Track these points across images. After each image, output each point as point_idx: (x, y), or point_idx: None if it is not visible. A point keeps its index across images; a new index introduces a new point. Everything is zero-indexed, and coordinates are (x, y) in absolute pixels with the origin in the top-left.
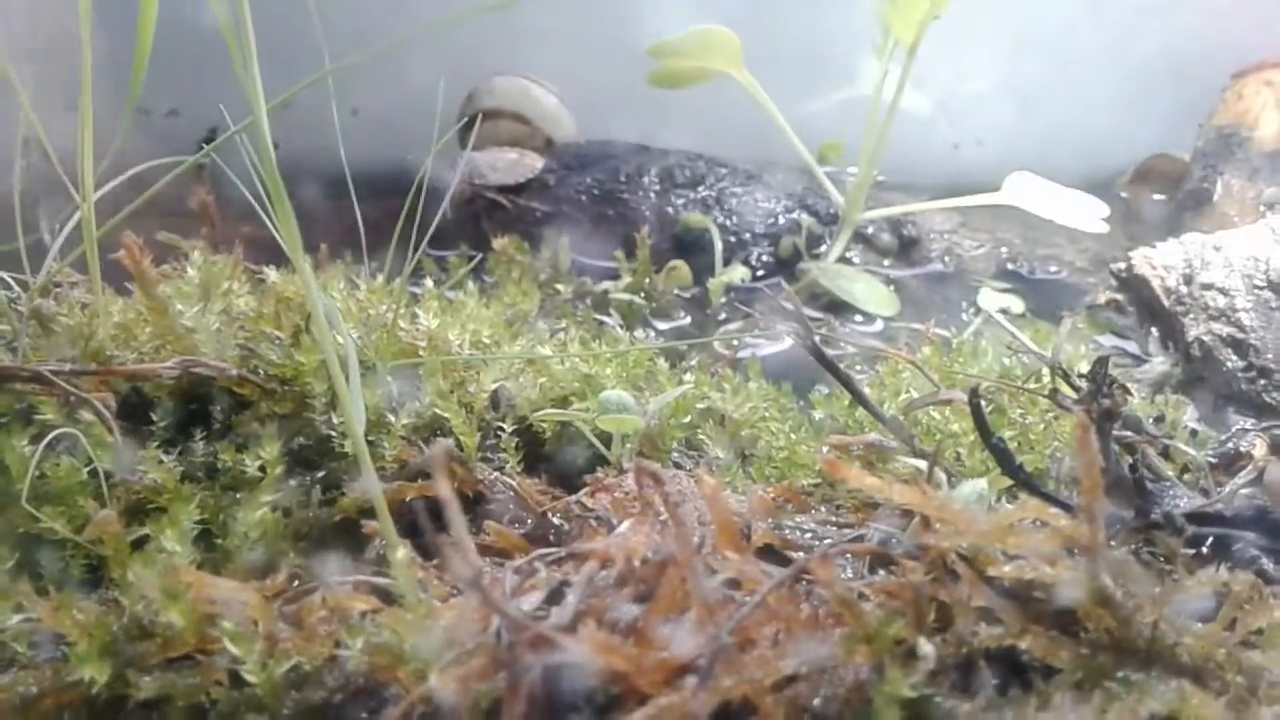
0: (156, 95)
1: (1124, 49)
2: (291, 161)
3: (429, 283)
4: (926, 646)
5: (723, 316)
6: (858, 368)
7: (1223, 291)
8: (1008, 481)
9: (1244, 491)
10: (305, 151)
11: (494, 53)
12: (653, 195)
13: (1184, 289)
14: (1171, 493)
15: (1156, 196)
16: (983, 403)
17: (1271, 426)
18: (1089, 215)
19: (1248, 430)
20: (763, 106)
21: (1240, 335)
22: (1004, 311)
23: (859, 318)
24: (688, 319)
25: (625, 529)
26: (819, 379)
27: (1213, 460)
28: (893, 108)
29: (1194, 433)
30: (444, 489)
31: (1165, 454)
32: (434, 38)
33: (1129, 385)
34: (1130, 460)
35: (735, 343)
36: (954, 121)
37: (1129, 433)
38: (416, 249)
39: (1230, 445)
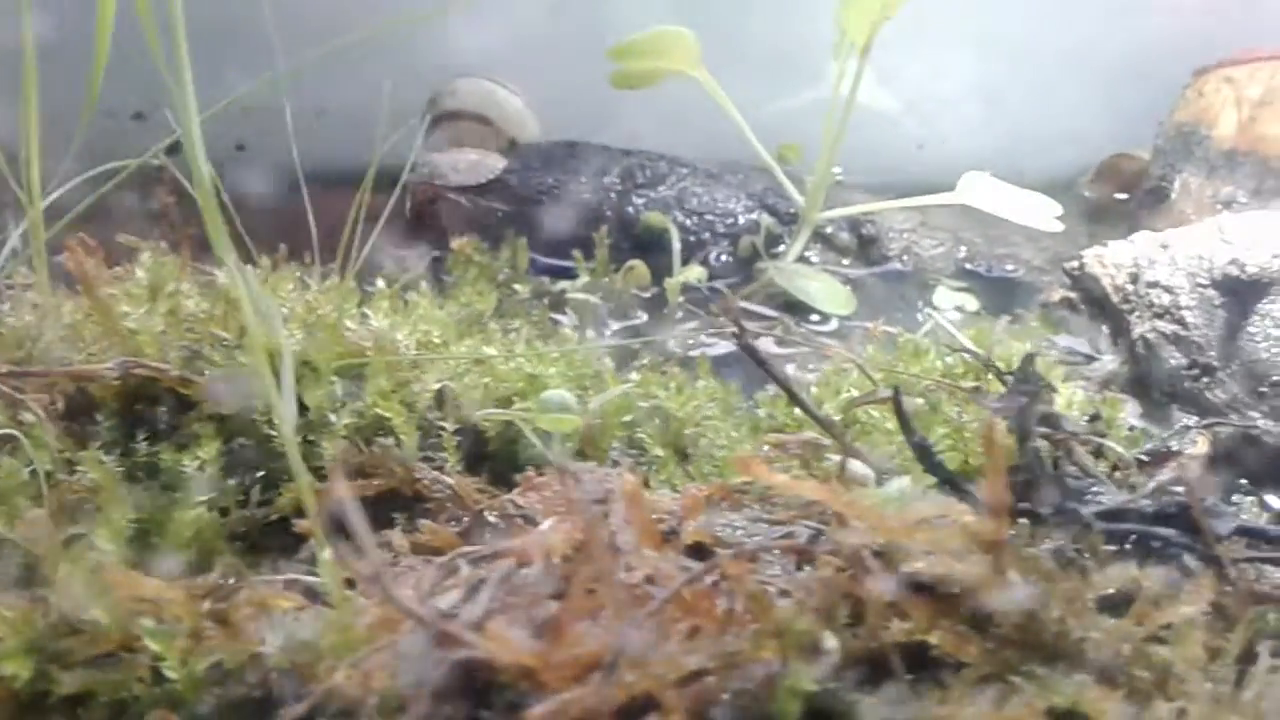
0: (123, 97)
1: (1090, 48)
2: (259, 161)
3: (380, 283)
4: (831, 641)
5: (680, 315)
6: (810, 366)
7: (1167, 289)
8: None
9: (1175, 488)
10: (273, 151)
11: (463, 53)
12: (613, 195)
13: (1130, 287)
14: (1095, 489)
15: (1119, 195)
16: (918, 401)
17: (1213, 423)
18: (1043, 215)
19: (1189, 427)
20: (721, 106)
21: (1183, 333)
22: (959, 309)
23: (815, 316)
24: (645, 318)
25: (547, 527)
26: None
27: (1144, 458)
28: (848, 107)
29: (1134, 429)
30: (341, 489)
31: (1099, 451)
32: (402, 38)
33: (1055, 382)
34: (1054, 457)
35: (690, 341)
36: (924, 120)
37: (1056, 430)
38: (364, 249)
39: (1163, 443)
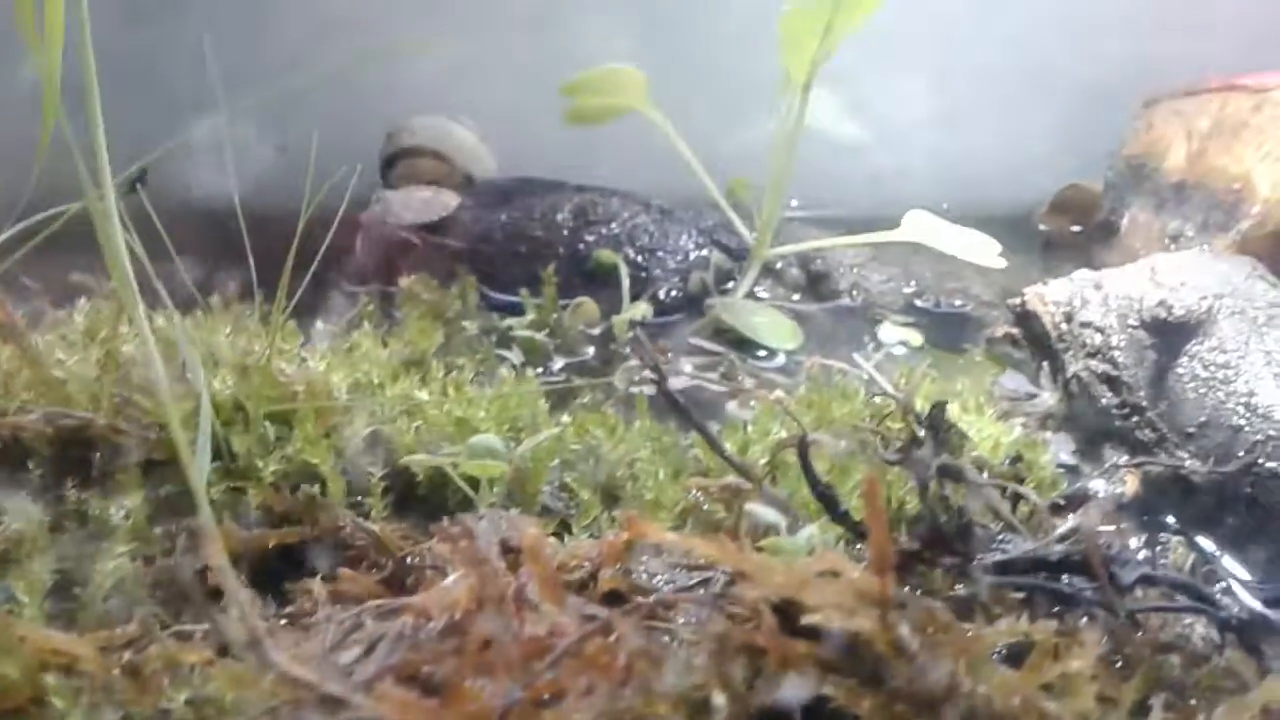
0: (86, 133)
1: (1049, 78)
2: (217, 199)
3: (319, 324)
4: (719, 698)
5: (627, 352)
6: (751, 404)
7: (1099, 330)
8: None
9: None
10: (229, 187)
11: (423, 89)
12: (565, 231)
13: (1065, 326)
14: (1003, 538)
15: (1075, 227)
16: (842, 444)
17: (1141, 463)
18: (984, 252)
19: (1119, 466)
20: (671, 142)
21: (1114, 372)
22: (904, 345)
23: (762, 352)
24: (592, 355)
25: (451, 581)
26: (714, 415)
27: (1061, 501)
28: (792, 145)
29: (1065, 468)
30: (216, 557)
31: (1017, 499)
32: (362, 74)
33: (985, 422)
34: (959, 506)
35: (636, 378)
36: (891, 150)
37: (960, 480)
38: (313, 288)
39: (1083, 486)
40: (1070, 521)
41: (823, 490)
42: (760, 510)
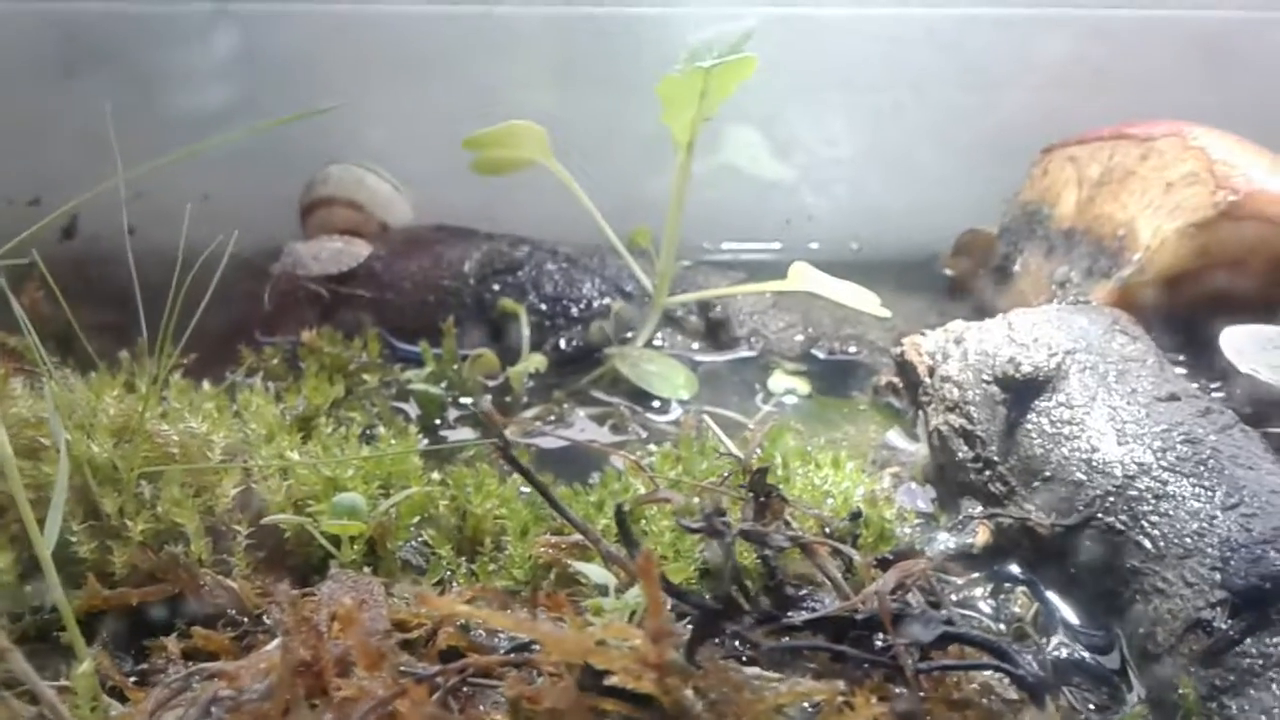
0: (18, 184)
1: (952, 124)
2: (145, 248)
3: (226, 376)
4: None
5: (525, 401)
6: (637, 453)
7: (957, 384)
8: None
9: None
10: (161, 238)
11: (345, 137)
12: (473, 280)
13: (927, 380)
14: (815, 598)
15: (979, 270)
16: (695, 501)
17: (991, 514)
18: (867, 302)
19: (972, 517)
20: (573, 192)
21: (969, 427)
22: (792, 393)
23: (656, 403)
24: (489, 405)
25: (270, 646)
26: (598, 467)
27: (890, 557)
28: (682, 196)
29: (925, 517)
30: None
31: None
32: (290, 125)
33: (783, 495)
34: (771, 567)
35: (528, 430)
36: (801, 192)
37: (765, 544)
38: (197, 342)
39: (909, 544)
40: (881, 580)
41: (633, 544)
42: (590, 570)
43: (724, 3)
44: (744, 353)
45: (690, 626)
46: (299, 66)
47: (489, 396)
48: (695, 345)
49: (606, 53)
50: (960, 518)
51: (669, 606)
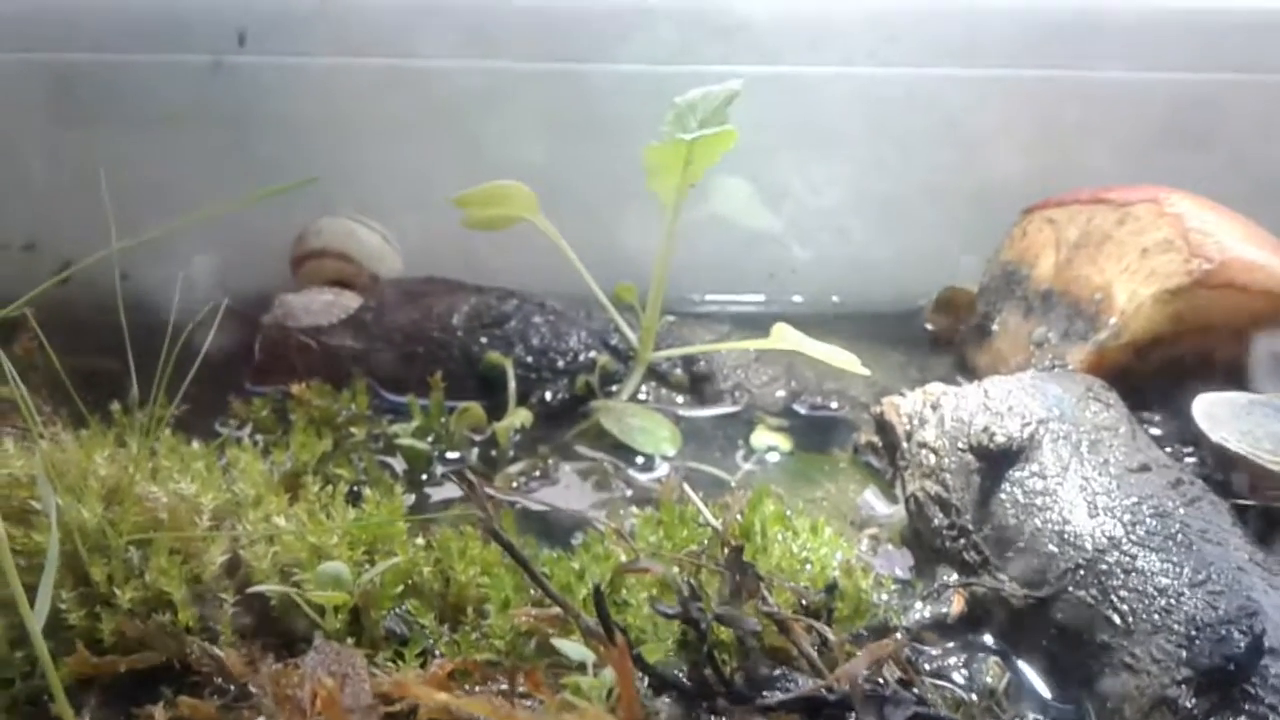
0: (13, 229)
1: (933, 181)
2: (138, 292)
3: (195, 443)
4: None
5: (511, 455)
6: (621, 512)
7: (934, 451)
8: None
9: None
10: (153, 282)
11: (336, 188)
12: (460, 333)
13: (905, 444)
14: (789, 677)
15: (959, 327)
16: (675, 571)
17: (966, 583)
18: (846, 362)
19: (948, 585)
20: (559, 248)
21: (945, 494)
22: (774, 450)
23: (640, 459)
24: (475, 460)
25: None
26: (581, 526)
27: (864, 633)
28: (668, 256)
29: (902, 583)
30: None
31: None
32: (282, 174)
33: (759, 573)
34: (752, 646)
35: (515, 486)
36: (785, 246)
37: (738, 626)
38: (187, 395)
39: (880, 620)
40: (854, 661)
41: (610, 628)
42: (568, 647)
43: (710, 61)
44: (728, 407)
45: (668, 703)
46: (291, 118)
47: (475, 451)
48: (679, 399)
49: (593, 108)
50: (936, 586)
51: (645, 684)
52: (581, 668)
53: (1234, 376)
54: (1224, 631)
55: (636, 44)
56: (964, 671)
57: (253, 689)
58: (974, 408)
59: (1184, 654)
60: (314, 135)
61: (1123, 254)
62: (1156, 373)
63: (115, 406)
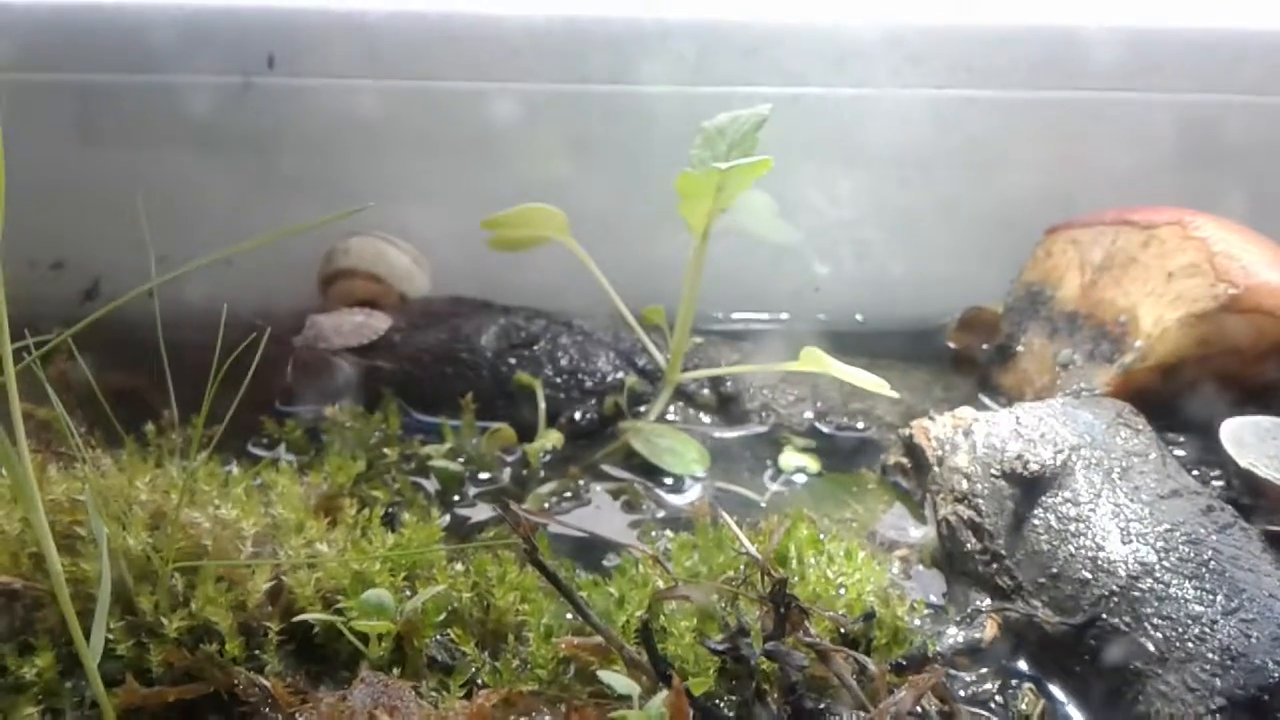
0: (42, 248)
1: (956, 200)
2: (166, 310)
3: (234, 466)
4: None
5: (542, 476)
6: (653, 534)
7: (966, 476)
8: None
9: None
10: (182, 300)
11: (369, 206)
12: (489, 354)
13: (936, 469)
14: (833, 711)
15: (983, 345)
16: (714, 598)
17: (1000, 608)
18: (874, 385)
19: (980, 610)
20: (589, 269)
21: (978, 519)
22: (802, 471)
23: (669, 479)
24: (507, 481)
25: None
26: (614, 547)
27: (903, 662)
28: (697, 279)
29: (935, 608)
30: None
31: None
32: (309, 193)
33: (804, 606)
34: (793, 682)
35: (547, 505)
36: (809, 266)
37: (785, 662)
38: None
39: (921, 646)
40: (897, 697)
41: (663, 670)
42: (613, 679)
43: (737, 82)
44: (756, 428)
45: None
46: (318, 138)
47: (507, 471)
48: (706, 419)
49: (621, 128)
50: (969, 611)
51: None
52: (627, 699)
53: (1261, 399)
54: (1259, 661)
55: (659, 64)
56: (999, 699)
57: (299, 717)
58: (1006, 434)
59: (1218, 683)
60: (340, 154)
61: (1148, 277)
62: (1182, 395)
63: (149, 427)
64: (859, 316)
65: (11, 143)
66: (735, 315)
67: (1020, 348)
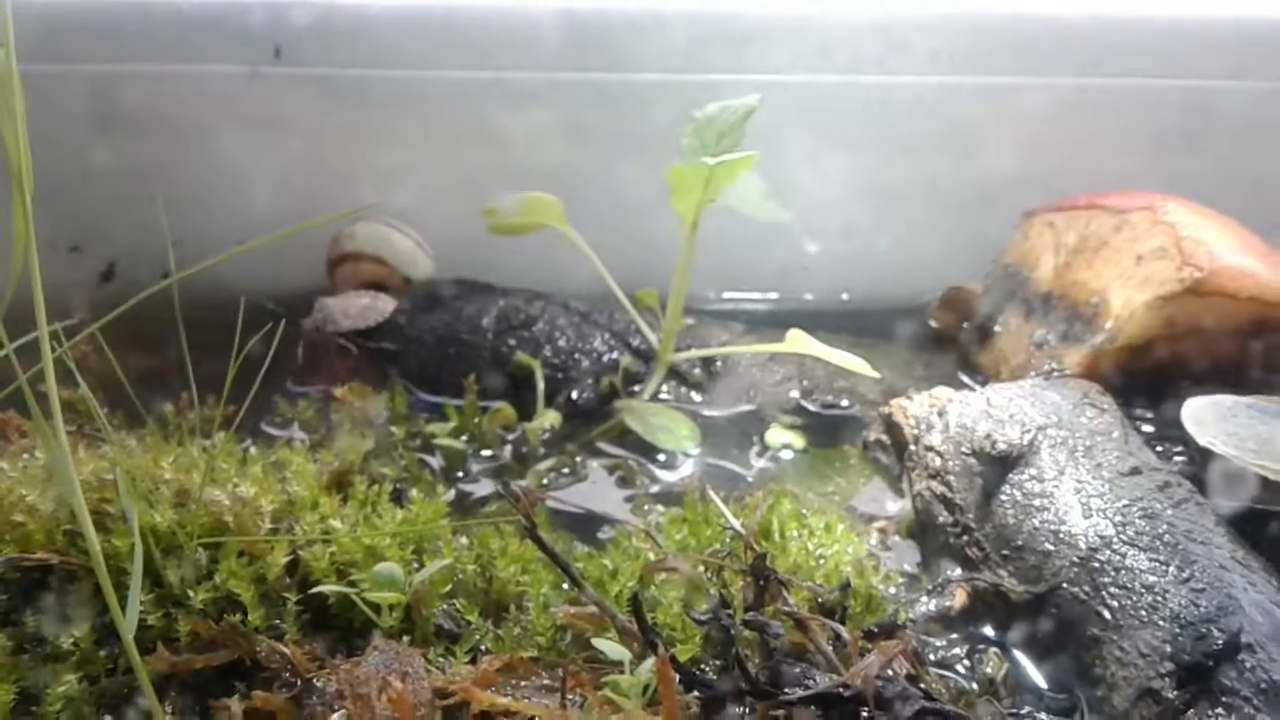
0: (60, 231)
1: (939, 184)
2: (180, 291)
3: (250, 446)
4: None
5: (541, 453)
6: (645, 509)
7: (939, 454)
8: None
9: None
10: (196, 282)
11: (368, 193)
12: (490, 335)
13: (913, 446)
14: (809, 674)
15: (963, 324)
16: (700, 570)
17: (968, 578)
18: (857, 365)
19: (951, 580)
20: (585, 255)
21: (949, 494)
22: (787, 448)
23: (662, 456)
24: (508, 456)
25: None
26: (609, 520)
27: (875, 629)
28: (684, 269)
29: (909, 577)
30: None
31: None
32: (317, 174)
33: (783, 578)
34: (772, 646)
35: (545, 482)
36: (796, 246)
37: (765, 631)
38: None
39: (890, 616)
40: (867, 660)
41: (651, 640)
42: (607, 646)
43: (726, 70)
44: (744, 406)
45: (699, 699)
46: (323, 126)
47: (508, 449)
48: (697, 397)
49: (614, 115)
50: (940, 580)
51: (679, 683)
52: (619, 664)
53: (1224, 378)
54: (1204, 630)
55: (651, 53)
56: (966, 662)
57: (322, 685)
58: (977, 414)
59: (1168, 648)
60: (344, 142)
61: (1119, 260)
62: (1150, 374)
63: (169, 408)
64: (845, 295)
65: (31, 131)
66: (726, 295)
67: (998, 327)
